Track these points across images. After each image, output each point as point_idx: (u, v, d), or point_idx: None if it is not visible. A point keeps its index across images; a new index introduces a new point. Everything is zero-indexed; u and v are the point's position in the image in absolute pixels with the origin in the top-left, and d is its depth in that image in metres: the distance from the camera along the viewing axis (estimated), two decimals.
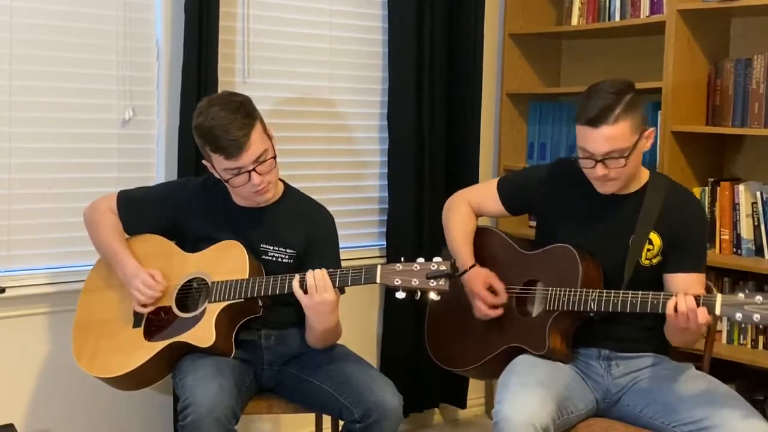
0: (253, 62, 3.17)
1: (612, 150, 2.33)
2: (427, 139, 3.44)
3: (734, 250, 2.98)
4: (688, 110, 3.07)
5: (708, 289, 2.48)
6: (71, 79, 2.84)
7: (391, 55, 3.41)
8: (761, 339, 2.95)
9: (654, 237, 2.44)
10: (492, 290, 2.57)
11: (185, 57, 2.90)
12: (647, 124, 2.44)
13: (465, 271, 2.55)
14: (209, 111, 2.42)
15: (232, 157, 2.40)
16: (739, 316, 2.12)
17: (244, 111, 2.42)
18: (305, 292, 2.36)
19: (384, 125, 3.46)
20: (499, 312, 2.56)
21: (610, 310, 2.34)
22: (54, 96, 2.82)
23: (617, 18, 3.32)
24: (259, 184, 2.45)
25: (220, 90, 2.89)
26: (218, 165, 2.45)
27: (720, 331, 2.99)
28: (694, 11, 3.01)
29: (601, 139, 2.32)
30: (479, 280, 2.58)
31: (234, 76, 3.12)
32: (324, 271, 2.36)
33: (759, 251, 2.94)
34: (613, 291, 2.35)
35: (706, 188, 3.04)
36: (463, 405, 3.68)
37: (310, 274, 2.35)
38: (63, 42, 2.82)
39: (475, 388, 3.76)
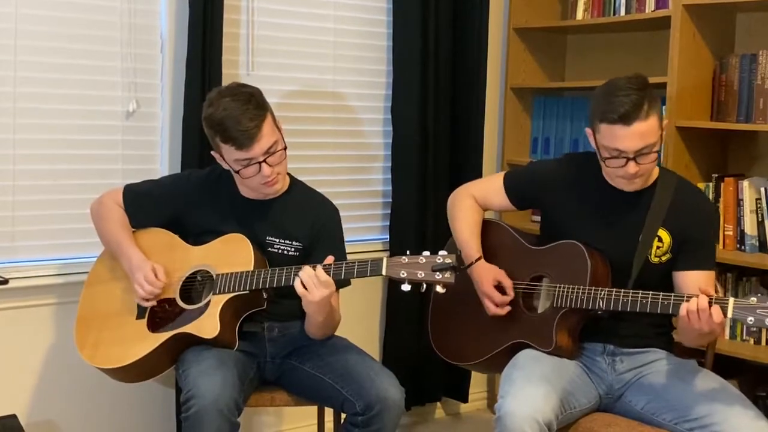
0: (258, 55, 3.17)
1: (644, 146, 2.30)
2: (431, 133, 3.44)
3: (738, 246, 2.98)
4: (692, 105, 3.06)
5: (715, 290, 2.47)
6: (75, 70, 2.84)
7: (396, 49, 3.41)
8: (763, 335, 2.95)
9: (663, 234, 2.43)
10: (500, 288, 2.57)
11: (189, 49, 2.90)
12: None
13: (470, 264, 2.54)
14: (220, 102, 2.42)
15: (243, 147, 2.40)
16: (751, 319, 2.11)
17: (255, 102, 2.43)
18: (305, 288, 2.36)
19: (388, 119, 3.46)
20: (507, 310, 2.55)
21: (620, 309, 2.33)
22: (58, 88, 2.82)
23: (622, 13, 3.31)
24: (269, 176, 2.45)
25: (224, 83, 2.88)
26: (228, 156, 2.45)
27: (723, 327, 2.99)
28: (699, 6, 3.00)
29: (634, 135, 2.28)
30: (488, 277, 2.56)
31: (238, 68, 3.12)
32: (310, 269, 2.35)
33: (762, 247, 2.93)
34: (622, 290, 2.34)
35: (710, 184, 3.03)
36: (464, 399, 3.69)
37: (304, 275, 2.35)
38: (67, 33, 2.81)
39: (477, 382, 3.76)
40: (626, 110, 2.27)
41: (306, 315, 2.49)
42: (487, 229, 2.71)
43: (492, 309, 2.55)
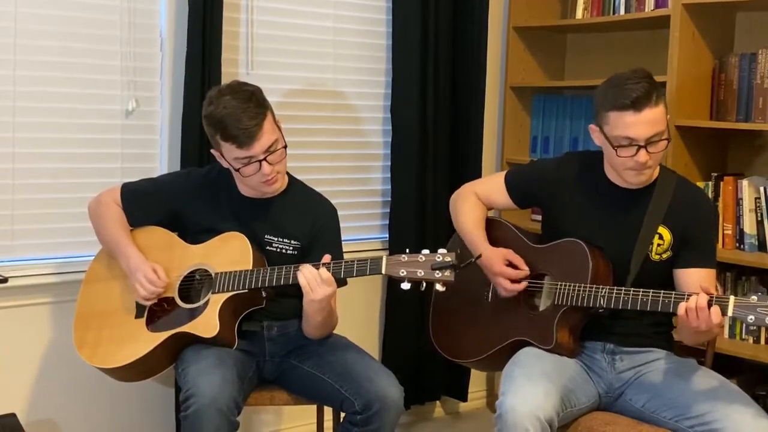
0: (257, 54, 3.17)
1: (654, 133, 2.32)
2: (431, 132, 3.44)
3: (737, 245, 2.98)
4: (692, 105, 3.06)
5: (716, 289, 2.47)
6: (75, 69, 2.84)
7: (396, 48, 3.41)
8: (763, 335, 2.95)
9: (664, 232, 2.43)
10: (511, 266, 2.55)
11: (189, 48, 2.90)
12: None
13: (470, 262, 2.52)
14: (221, 100, 2.42)
15: (243, 146, 2.40)
16: (751, 318, 2.11)
17: (255, 100, 2.43)
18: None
19: (388, 118, 3.46)
20: (524, 285, 2.54)
21: (620, 307, 2.33)
22: (58, 86, 2.82)
23: (622, 12, 3.32)
24: (269, 174, 2.45)
25: (223, 82, 2.88)
26: (228, 154, 2.45)
27: (722, 327, 2.99)
28: (699, 5, 3.00)
29: (645, 122, 2.30)
30: (498, 258, 2.55)
31: (237, 67, 3.12)
32: (312, 268, 2.35)
33: (762, 246, 2.93)
34: (623, 288, 2.34)
35: (710, 183, 3.03)
36: (464, 398, 3.69)
37: (301, 275, 2.36)
38: (67, 32, 2.81)
39: (477, 381, 3.76)
40: (637, 96, 2.29)
41: (304, 315, 2.50)
42: (490, 227, 2.70)
43: (508, 286, 2.53)
